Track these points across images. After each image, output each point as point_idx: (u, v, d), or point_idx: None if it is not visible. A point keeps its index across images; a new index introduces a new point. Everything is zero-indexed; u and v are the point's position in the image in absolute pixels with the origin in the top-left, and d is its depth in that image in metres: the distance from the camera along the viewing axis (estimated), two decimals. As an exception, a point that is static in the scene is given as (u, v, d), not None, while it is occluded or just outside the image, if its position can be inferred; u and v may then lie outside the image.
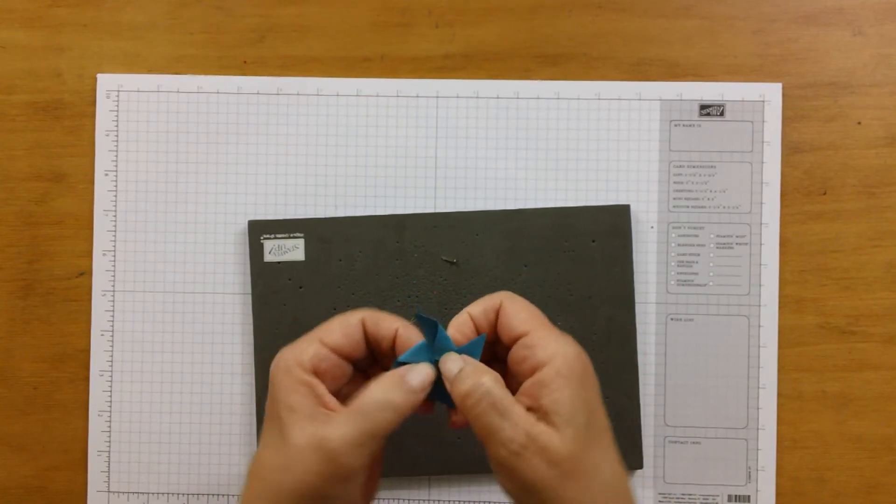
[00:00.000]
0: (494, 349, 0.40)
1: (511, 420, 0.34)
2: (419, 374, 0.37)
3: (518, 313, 0.37)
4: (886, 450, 0.50)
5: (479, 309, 0.38)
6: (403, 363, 0.37)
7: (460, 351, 0.38)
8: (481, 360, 0.38)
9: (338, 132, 0.51)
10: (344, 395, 0.38)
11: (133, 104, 0.51)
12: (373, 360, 0.40)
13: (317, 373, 0.37)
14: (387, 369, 0.37)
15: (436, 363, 0.37)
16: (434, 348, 0.37)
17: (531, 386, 0.35)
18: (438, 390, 0.37)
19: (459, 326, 0.38)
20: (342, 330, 0.38)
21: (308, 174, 0.51)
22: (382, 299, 0.50)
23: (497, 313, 0.38)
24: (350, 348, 0.38)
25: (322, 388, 0.36)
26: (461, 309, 0.39)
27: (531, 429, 0.34)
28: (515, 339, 0.37)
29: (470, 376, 0.36)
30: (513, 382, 0.37)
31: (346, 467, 0.35)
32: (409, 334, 0.38)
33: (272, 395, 0.37)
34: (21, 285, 0.52)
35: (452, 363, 0.37)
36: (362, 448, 0.35)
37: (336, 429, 0.35)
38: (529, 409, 0.35)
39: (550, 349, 0.36)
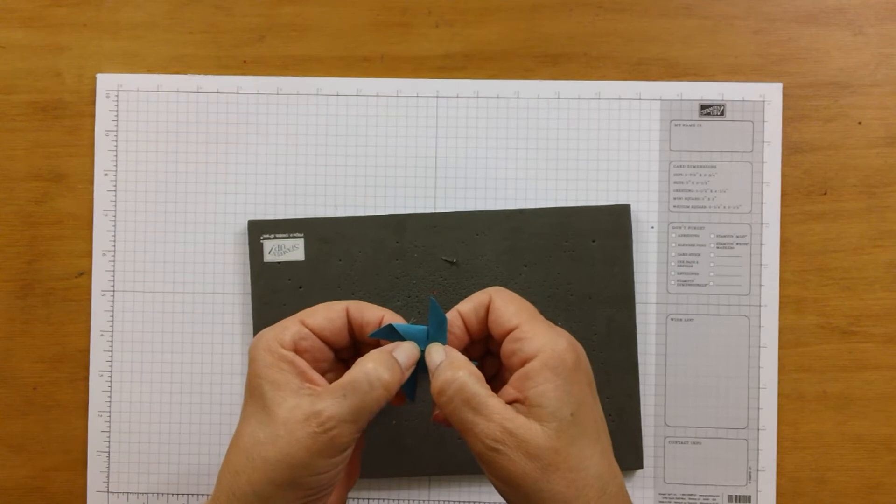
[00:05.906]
0: (487, 344, 0.40)
1: (485, 415, 0.34)
2: (405, 352, 0.37)
3: (507, 307, 0.37)
4: (887, 450, 0.50)
5: (469, 307, 0.38)
6: (374, 340, 0.38)
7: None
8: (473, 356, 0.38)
9: (338, 132, 0.51)
10: (327, 380, 0.38)
11: (133, 104, 0.51)
12: (355, 350, 0.40)
13: (297, 351, 0.37)
14: None
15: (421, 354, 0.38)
16: (428, 341, 0.38)
17: (518, 378, 0.35)
18: (409, 379, 0.38)
19: (449, 325, 0.38)
20: (325, 314, 0.38)
21: (308, 174, 0.51)
22: (382, 299, 0.50)
23: (487, 310, 0.38)
24: (331, 332, 0.38)
25: (305, 365, 0.37)
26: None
27: (507, 423, 0.34)
28: (506, 334, 0.37)
29: (445, 371, 0.36)
30: (506, 376, 0.37)
31: (337, 441, 0.35)
32: (395, 320, 0.38)
33: (253, 372, 0.36)
34: (21, 285, 0.52)
35: (436, 354, 0.37)
36: (354, 424, 0.35)
37: (329, 404, 0.35)
38: (516, 401, 0.35)
39: (539, 342, 0.35)
